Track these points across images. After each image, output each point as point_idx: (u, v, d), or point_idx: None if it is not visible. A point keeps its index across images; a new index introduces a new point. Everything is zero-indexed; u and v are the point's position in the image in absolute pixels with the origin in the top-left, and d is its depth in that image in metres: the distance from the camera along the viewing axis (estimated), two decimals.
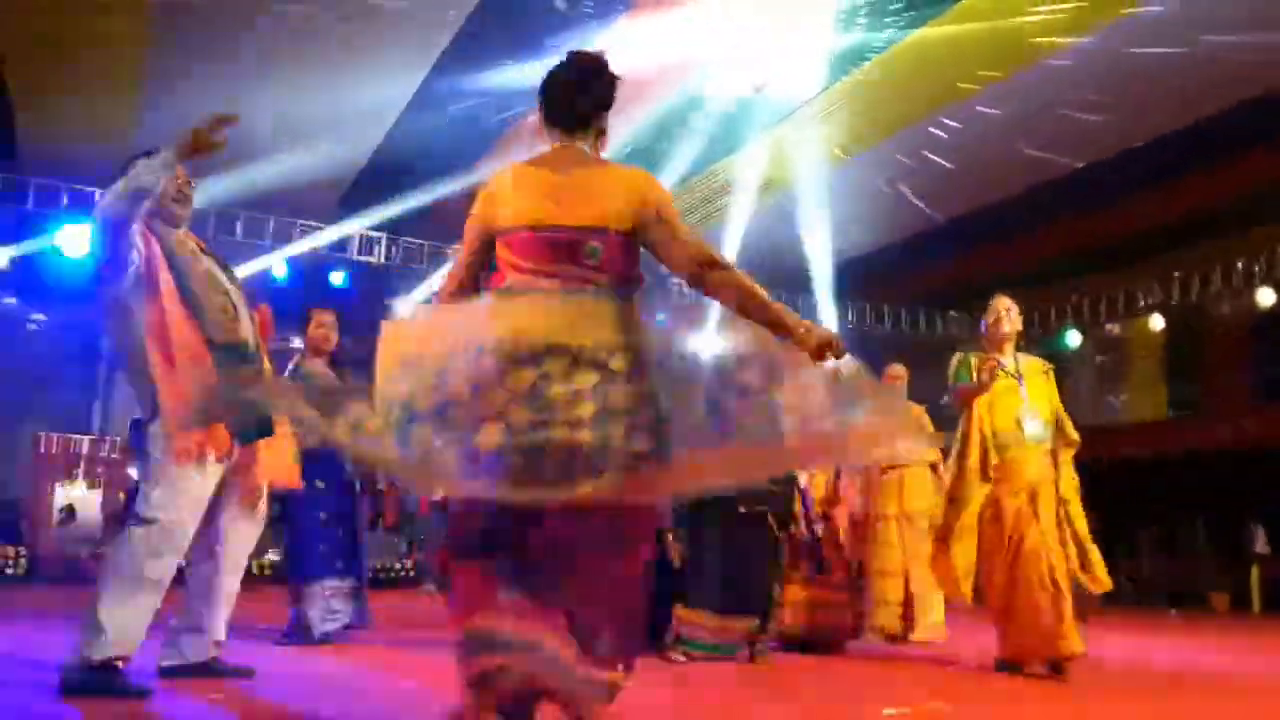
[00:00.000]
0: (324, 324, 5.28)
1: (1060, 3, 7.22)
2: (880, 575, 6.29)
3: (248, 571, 3.97)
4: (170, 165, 3.48)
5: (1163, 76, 7.93)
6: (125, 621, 3.20)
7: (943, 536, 4.71)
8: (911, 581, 6.20)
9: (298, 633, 4.93)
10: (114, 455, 11.18)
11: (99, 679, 3.14)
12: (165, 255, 3.46)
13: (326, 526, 5.06)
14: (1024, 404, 4.65)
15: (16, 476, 11.08)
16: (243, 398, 3.41)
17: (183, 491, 3.34)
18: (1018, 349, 4.89)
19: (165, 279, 3.42)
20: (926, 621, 6.26)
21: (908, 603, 6.19)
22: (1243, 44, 7.45)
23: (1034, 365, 4.85)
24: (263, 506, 3.80)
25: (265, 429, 3.59)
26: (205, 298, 3.51)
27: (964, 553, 4.60)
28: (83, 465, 10.99)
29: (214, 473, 3.44)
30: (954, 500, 4.69)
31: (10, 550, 10.20)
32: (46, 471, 10.82)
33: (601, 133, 2.71)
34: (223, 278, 3.68)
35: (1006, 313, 4.81)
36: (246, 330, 3.63)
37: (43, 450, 10.88)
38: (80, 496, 10.85)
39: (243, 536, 3.71)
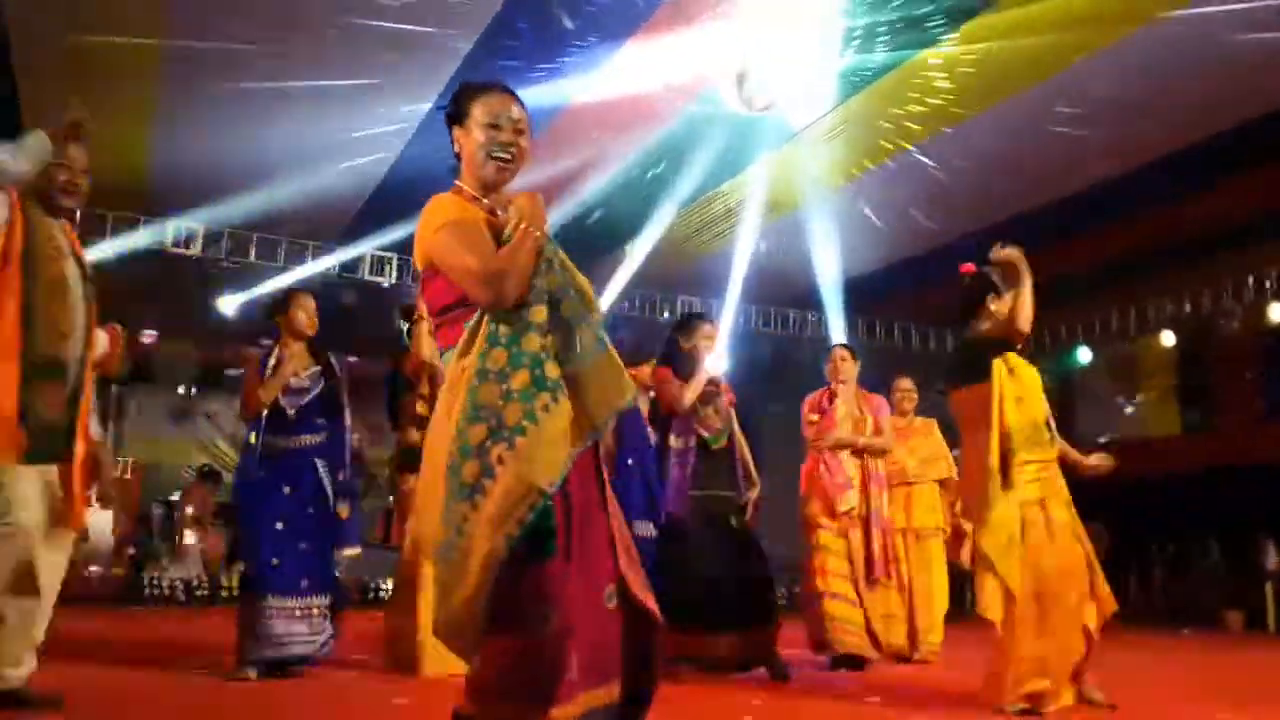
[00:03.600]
0: (304, 307, 5.00)
1: (1068, 22, 7.24)
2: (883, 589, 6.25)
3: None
4: (42, 148, 3.48)
5: (1172, 93, 7.94)
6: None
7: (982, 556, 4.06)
8: (915, 598, 6.20)
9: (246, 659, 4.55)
10: (126, 476, 11.21)
11: None
12: (24, 247, 3.36)
13: (284, 538, 4.64)
14: (1044, 402, 4.25)
15: None
16: (41, 418, 3.35)
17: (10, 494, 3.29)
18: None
19: (13, 272, 3.32)
20: (930, 639, 6.27)
21: (912, 620, 6.18)
22: (1254, 60, 7.46)
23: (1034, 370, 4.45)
24: (69, 539, 3.65)
25: (57, 455, 3.48)
26: (44, 305, 3.38)
27: (1009, 574, 3.98)
28: (95, 486, 10.99)
29: (28, 476, 3.37)
30: (980, 518, 4.09)
31: None
32: None
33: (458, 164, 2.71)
34: (78, 289, 3.54)
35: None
36: (74, 350, 3.50)
37: None
38: (92, 517, 10.86)
39: (47, 565, 3.51)
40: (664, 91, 8.10)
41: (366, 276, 11.37)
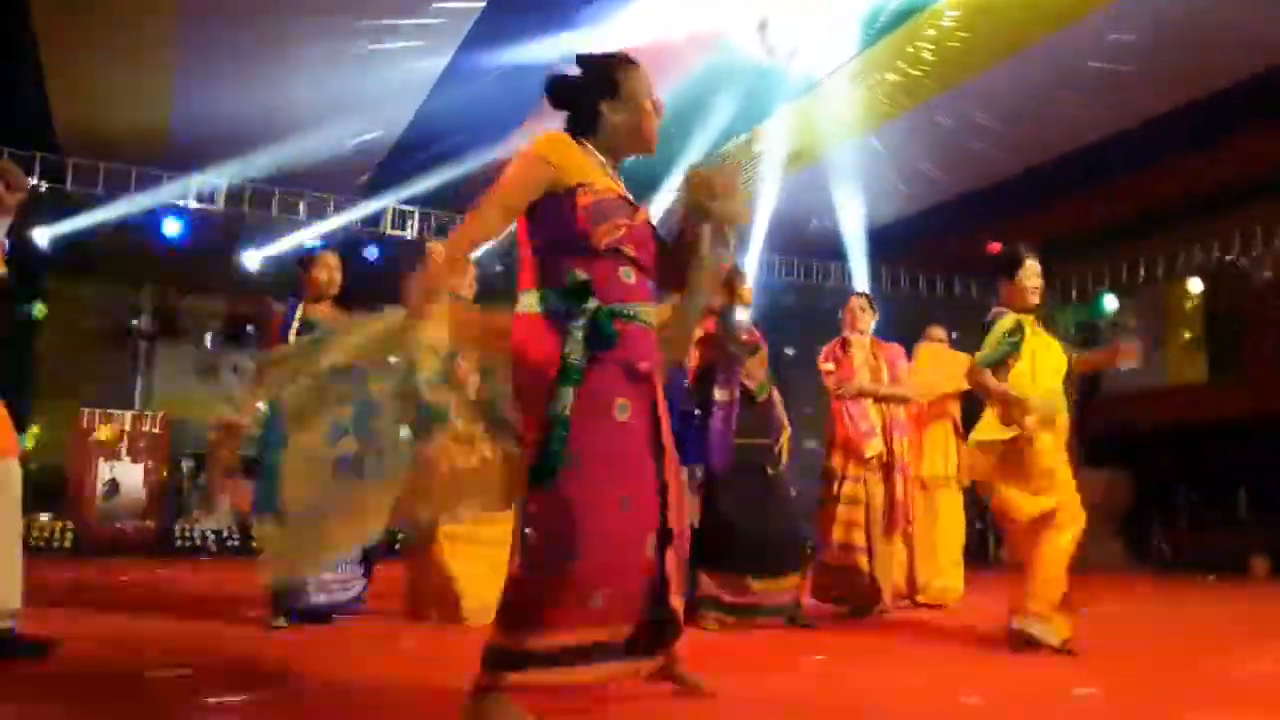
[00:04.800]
0: (327, 266, 5.02)
1: None
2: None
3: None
4: None
5: (1205, 36, 7.79)
6: None
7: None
8: (916, 544, 6.25)
9: (280, 609, 4.63)
10: (155, 430, 11.37)
11: None
12: None
13: None
14: (1063, 365, 4.46)
15: (61, 452, 11.26)
16: None
17: None
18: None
19: None
20: (936, 585, 6.32)
21: (911, 564, 6.25)
22: None
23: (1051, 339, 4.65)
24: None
25: None
26: None
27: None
28: (125, 440, 11.18)
29: None
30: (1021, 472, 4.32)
31: (56, 524, 10.43)
32: (90, 447, 11.02)
33: (586, 128, 2.88)
34: None
35: (1036, 285, 4.52)
36: None
37: (86, 426, 11.07)
38: (124, 471, 11.06)
39: None
40: (684, 40, 8.01)
41: (389, 231, 11.37)
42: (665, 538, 2.69)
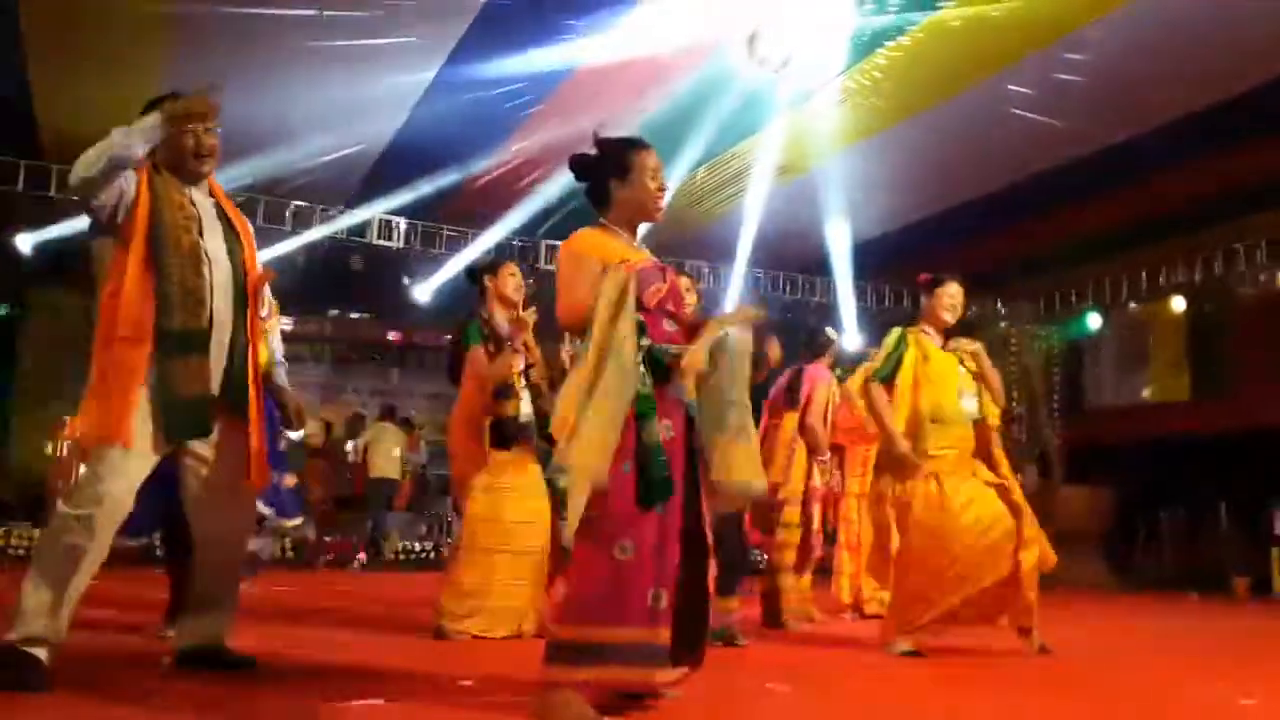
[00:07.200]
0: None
1: None
2: (838, 548, 6.73)
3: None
4: (156, 130, 3.44)
5: (1186, 55, 7.85)
6: (42, 602, 3.11)
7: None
8: (860, 560, 6.45)
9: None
10: None
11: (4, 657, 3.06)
12: (150, 223, 3.33)
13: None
14: (961, 379, 4.71)
15: (44, 459, 11.19)
16: (180, 393, 3.27)
17: (104, 472, 3.19)
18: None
19: (138, 247, 3.30)
20: (880, 596, 6.39)
21: (858, 579, 6.55)
22: (1270, 24, 7.37)
23: (965, 344, 4.87)
24: (248, 496, 3.61)
25: (199, 430, 3.37)
26: (179, 278, 3.34)
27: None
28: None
29: (142, 454, 3.24)
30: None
31: (37, 532, 10.33)
32: (73, 455, 10.92)
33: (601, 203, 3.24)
34: (220, 254, 3.57)
35: (952, 303, 4.86)
36: (221, 317, 3.47)
37: (70, 433, 10.98)
38: None
39: (226, 526, 3.53)
40: (675, 53, 8.03)
41: (374, 240, 11.35)
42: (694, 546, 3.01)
